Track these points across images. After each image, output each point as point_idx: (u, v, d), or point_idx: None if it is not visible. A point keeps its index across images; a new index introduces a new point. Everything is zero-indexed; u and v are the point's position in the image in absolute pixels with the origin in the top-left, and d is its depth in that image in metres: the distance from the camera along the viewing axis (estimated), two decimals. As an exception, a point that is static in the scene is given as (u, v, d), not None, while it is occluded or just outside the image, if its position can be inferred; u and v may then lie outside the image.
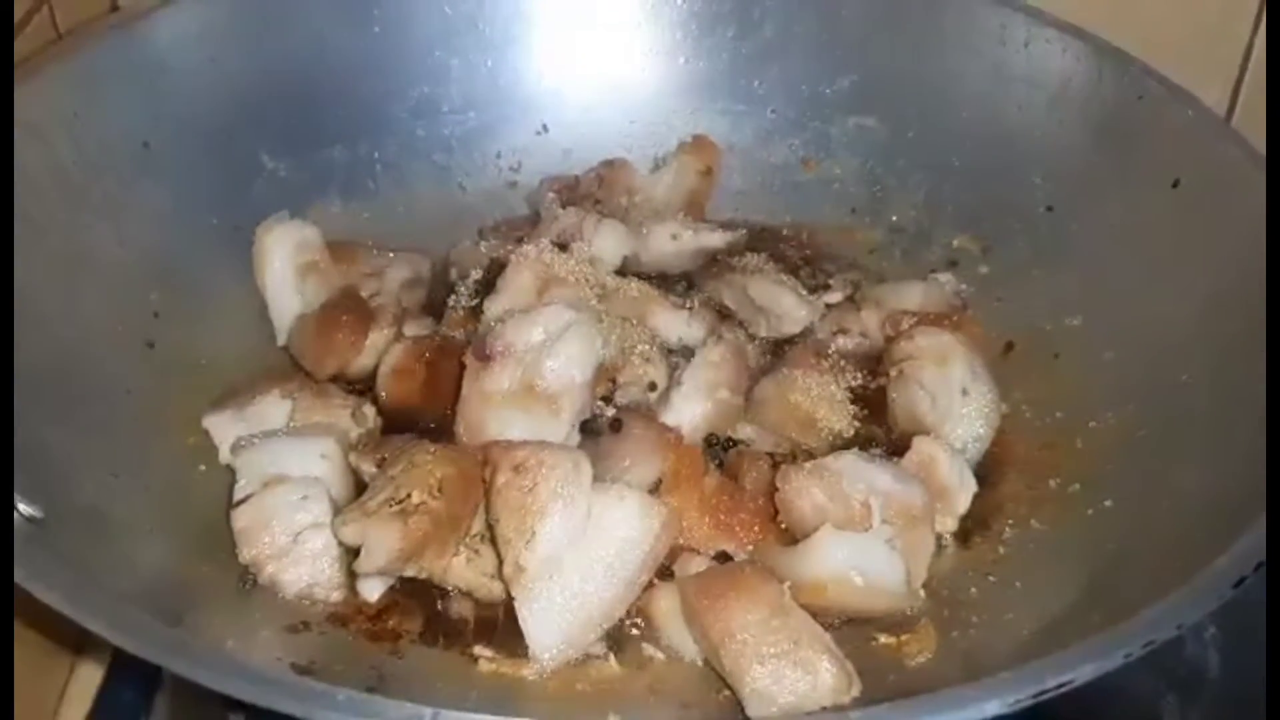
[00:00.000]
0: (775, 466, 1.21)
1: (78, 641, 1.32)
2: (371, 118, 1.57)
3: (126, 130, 1.34)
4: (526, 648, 1.07)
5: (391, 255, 1.47)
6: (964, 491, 1.23)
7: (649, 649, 1.12)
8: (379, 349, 1.35)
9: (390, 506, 1.10)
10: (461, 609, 1.15)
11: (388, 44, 1.56)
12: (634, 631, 1.13)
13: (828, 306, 1.46)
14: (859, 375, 1.38)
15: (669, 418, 1.27)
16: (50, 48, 1.42)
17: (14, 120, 1.18)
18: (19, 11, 1.38)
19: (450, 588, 1.15)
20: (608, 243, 1.45)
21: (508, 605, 1.08)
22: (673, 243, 1.50)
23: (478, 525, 1.14)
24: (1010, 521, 1.23)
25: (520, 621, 1.06)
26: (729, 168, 1.63)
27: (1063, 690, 0.82)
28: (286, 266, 1.38)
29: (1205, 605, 0.89)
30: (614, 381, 1.30)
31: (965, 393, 1.29)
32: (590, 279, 1.36)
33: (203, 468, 1.25)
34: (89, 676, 1.31)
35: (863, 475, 1.15)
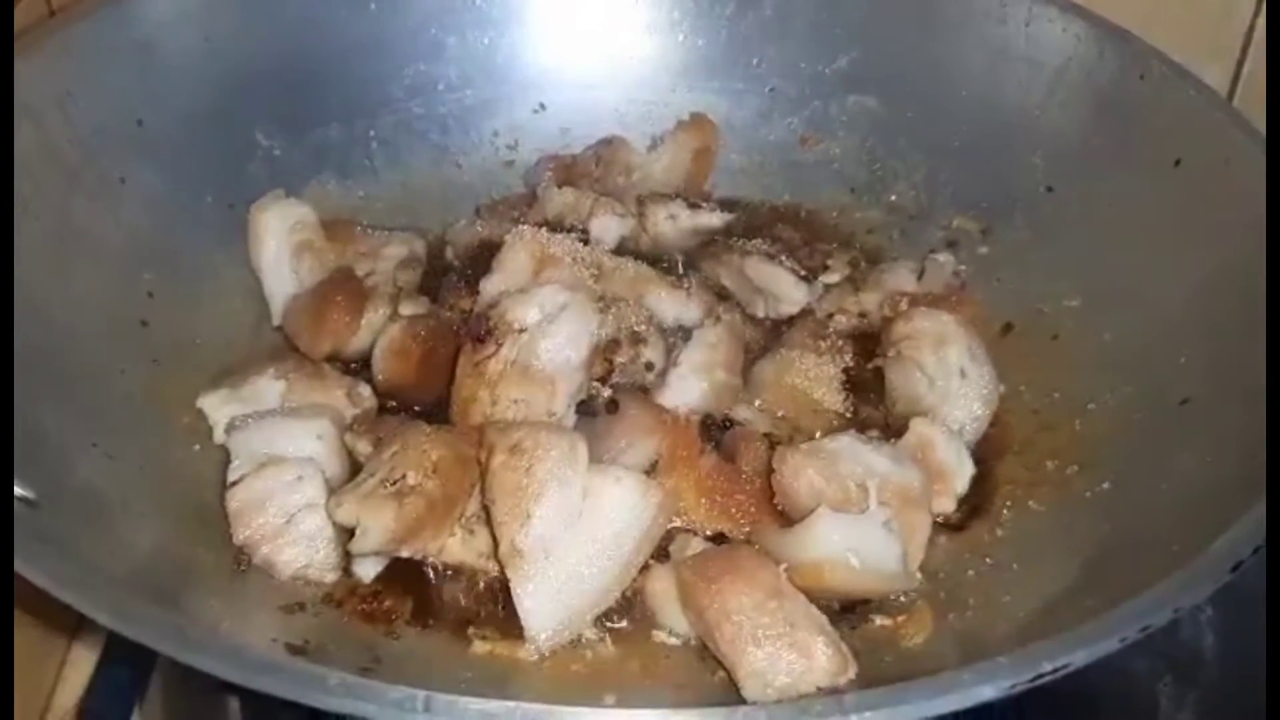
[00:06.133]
0: (772, 448, 1.21)
1: (73, 623, 1.33)
2: (367, 96, 1.56)
3: (120, 109, 1.33)
4: (522, 629, 1.07)
5: (387, 234, 1.47)
6: (961, 473, 1.23)
7: (645, 631, 1.12)
8: (374, 329, 1.35)
9: (385, 488, 1.10)
10: (457, 590, 1.15)
11: (384, 21, 1.54)
12: (630, 613, 1.13)
13: (826, 287, 1.45)
14: (857, 356, 1.38)
15: (666, 398, 1.26)
16: (43, 25, 1.40)
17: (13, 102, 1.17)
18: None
19: (445, 568, 1.15)
20: (605, 223, 1.45)
21: (503, 586, 1.08)
22: (670, 223, 1.49)
23: (473, 506, 1.14)
24: (1008, 503, 1.23)
25: (516, 603, 1.06)
26: (727, 146, 1.62)
27: (1059, 675, 0.81)
28: (281, 246, 1.37)
29: (1202, 590, 0.88)
30: (610, 362, 1.29)
31: (963, 374, 1.28)
32: (587, 259, 1.36)
33: (197, 448, 1.24)
34: (84, 658, 1.32)
35: (859, 457, 1.15)
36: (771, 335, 1.40)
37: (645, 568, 1.12)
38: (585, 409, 1.23)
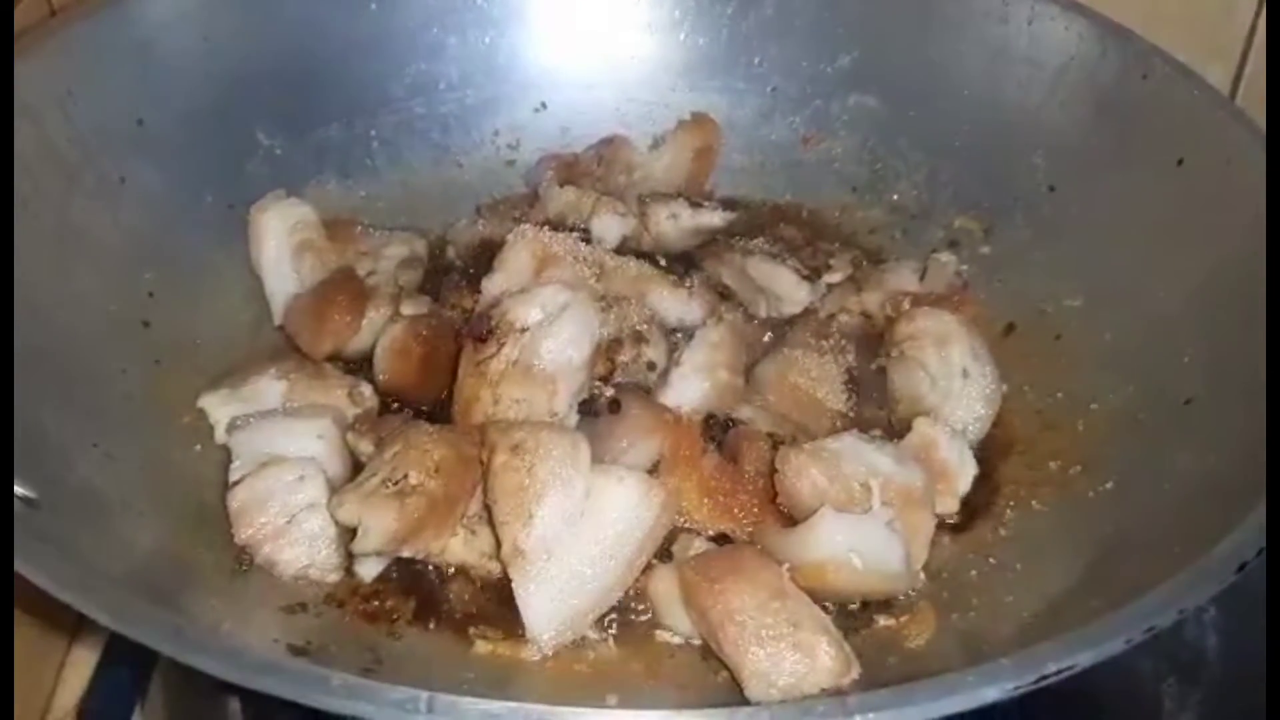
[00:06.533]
0: (775, 448, 1.20)
1: (73, 623, 1.32)
2: (368, 95, 1.56)
3: (120, 108, 1.33)
4: (524, 629, 1.06)
5: (388, 234, 1.47)
6: (964, 473, 1.23)
7: (648, 631, 1.12)
8: (376, 328, 1.34)
9: (387, 487, 1.09)
10: (459, 590, 1.14)
11: (385, 20, 1.54)
12: (632, 614, 1.13)
13: (828, 286, 1.45)
14: (859, 356, 1.37)
15: (668, 398, 1.26)
16: (43, 25, 1.40)
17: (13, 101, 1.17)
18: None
19: (447, 568, 1.15)
20: (606, 222, 1.45)
21: (505, 586, 1.08)
22: (672, 222, 1.49)
23: (475, 506, 1.14)
24: (1011, 503, 1.23)
25: (518, 603, 1.06)
26: (729, 146, 1.62)
27: (1063, 676, 0.81)
28: (282, 245, 1.37)
29: (1207, 590, 0.88)
30: (613, 361, 1.29)
31: (966, 374, 1.28)
32: (588, 258, 1.35)
33: (198, 448, 1.24)
34: (84, 658, 1.31)
35: (862, 457, 1.15)
36: (774, 335, 1.40)
37: (648, 568, 1.11)
38: (587, 409, 1.22)
